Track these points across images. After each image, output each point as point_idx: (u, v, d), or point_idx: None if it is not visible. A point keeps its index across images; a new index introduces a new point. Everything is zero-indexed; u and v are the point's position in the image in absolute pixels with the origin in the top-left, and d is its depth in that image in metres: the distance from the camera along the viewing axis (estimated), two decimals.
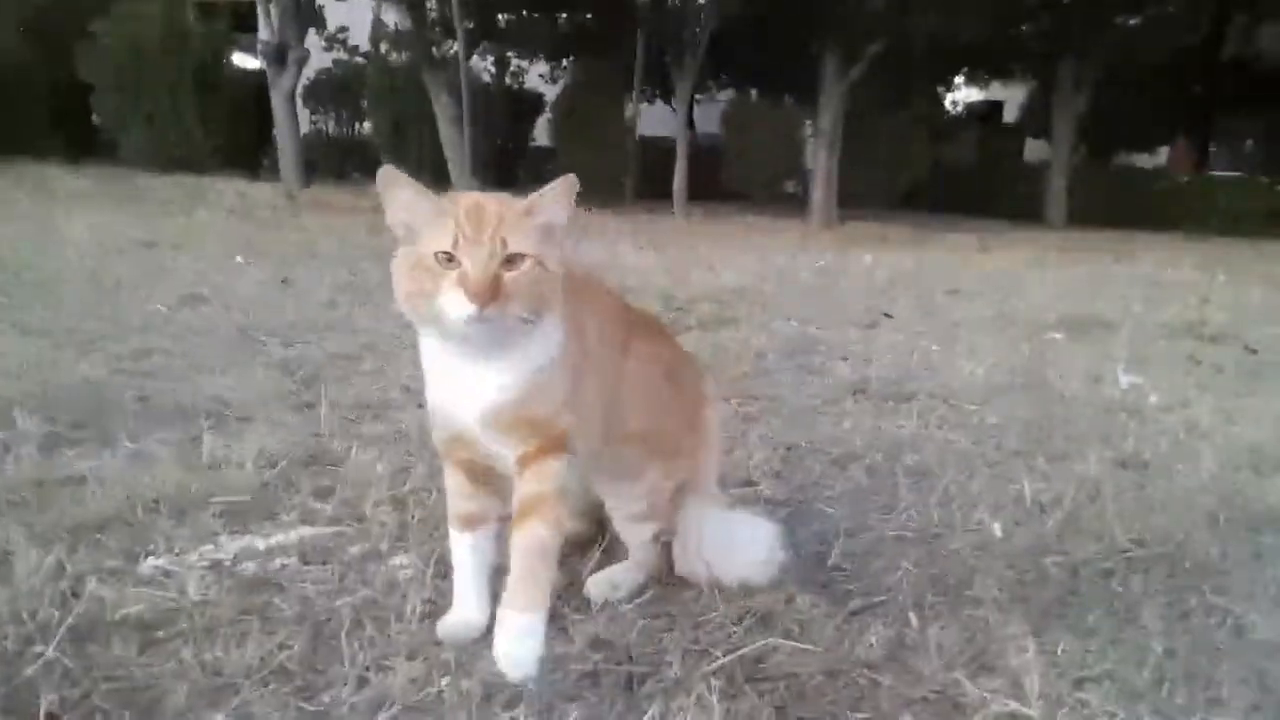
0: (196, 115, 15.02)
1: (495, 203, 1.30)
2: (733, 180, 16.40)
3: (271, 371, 2.95)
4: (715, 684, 1.33)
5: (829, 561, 1.79)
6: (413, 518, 1.87)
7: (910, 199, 16.95)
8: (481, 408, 1.36)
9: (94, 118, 15.71)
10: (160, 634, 1.40)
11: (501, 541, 1.48)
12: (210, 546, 1.70)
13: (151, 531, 1.74)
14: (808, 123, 16.33)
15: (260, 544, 1.73)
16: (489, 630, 1.44)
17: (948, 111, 19.84)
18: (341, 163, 15.99)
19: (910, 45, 13.37)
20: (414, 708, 1.26)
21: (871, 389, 3.25)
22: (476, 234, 1.25)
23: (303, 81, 14.89)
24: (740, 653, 1.43)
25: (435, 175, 13.80)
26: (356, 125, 18.10)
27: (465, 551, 1.48)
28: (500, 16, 15.42)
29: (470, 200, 1.29)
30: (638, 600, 1.60)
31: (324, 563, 1.67)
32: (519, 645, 1.34)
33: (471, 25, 14.18)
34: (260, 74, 14.51)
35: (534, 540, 1.37)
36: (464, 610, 1.48)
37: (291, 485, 2.01)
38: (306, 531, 1.79)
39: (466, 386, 1.35)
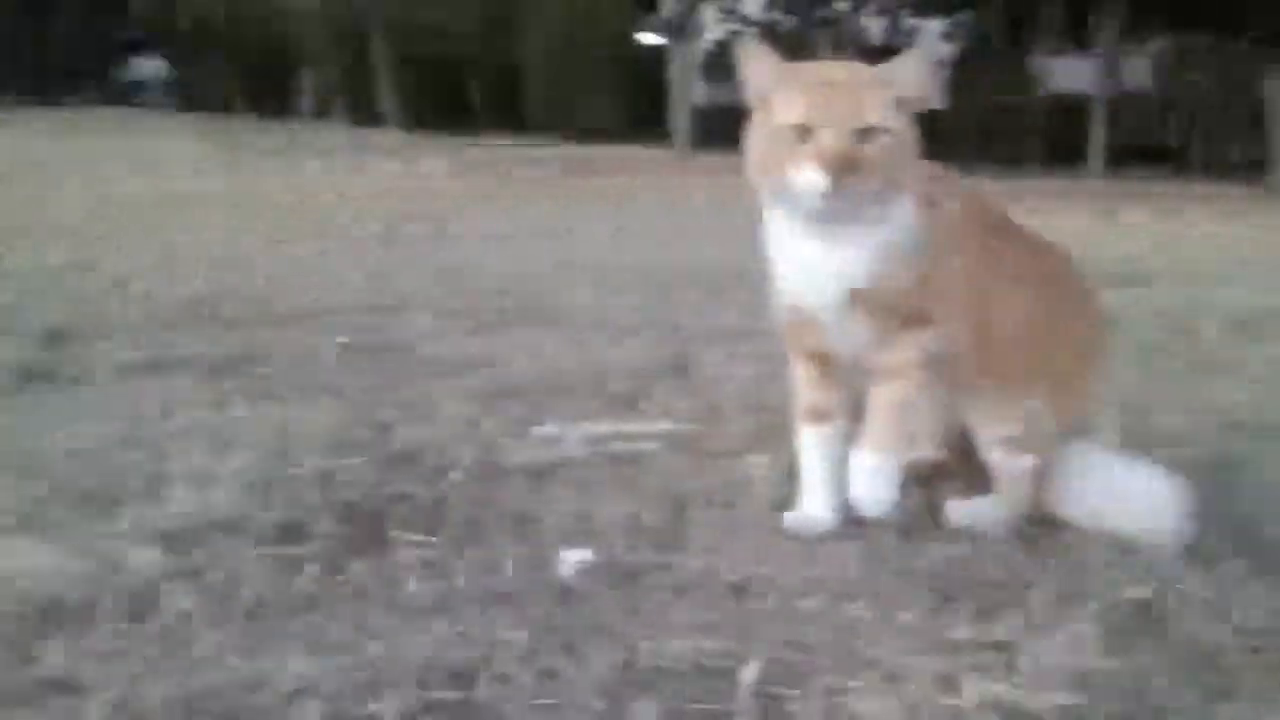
0: (605, 90, 16.59)
1: (850, 72, 1.27)
2: (1166, 143, 14.24)
3: (647, 297, 3.19)
4: (1090, 627, 1.18)
5: (1263, 533, 1.49)
6: (769, 425, 1.90)
7: None
8: (836, 288, 1.33)
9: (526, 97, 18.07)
10: (543, 482, 1.58)
11: (844, 433, 1.45)
12: (588, 424, 1.88)
13: (543, 406, 1.97)
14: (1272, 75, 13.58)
15: (629, 429, 1.87)
16: (836, 528, 1.43)
17: None
18: (735, 130, 16.62)
19: None
20: (762, 578, 1.29)
21: None
22: (831, 105, 1.23)
23: (702, 53, 15.72)
24: (1128, 595, 1.25)
25: None
26: None
27: (812, 446, 1.47)
28: None
29: (825, 70, 1.28)
30: (1002, 534, 1.48)
31: (683, 453, 1.77)
32: (872, 482, 1.32)
33: None
34: (662, 49, 15.52)
35: (893, 393, 1.33)
36: (810, 506, 1.47)
37: (658, 386, 2.16)
38: (669, 426, 1.90)
39: (818, 267, 1.33)
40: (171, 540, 1.24)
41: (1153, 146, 13.93)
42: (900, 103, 1.27)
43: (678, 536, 1.40)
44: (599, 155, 11.04)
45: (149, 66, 22.06)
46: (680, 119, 14.93)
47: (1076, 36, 14.64)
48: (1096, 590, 1.29)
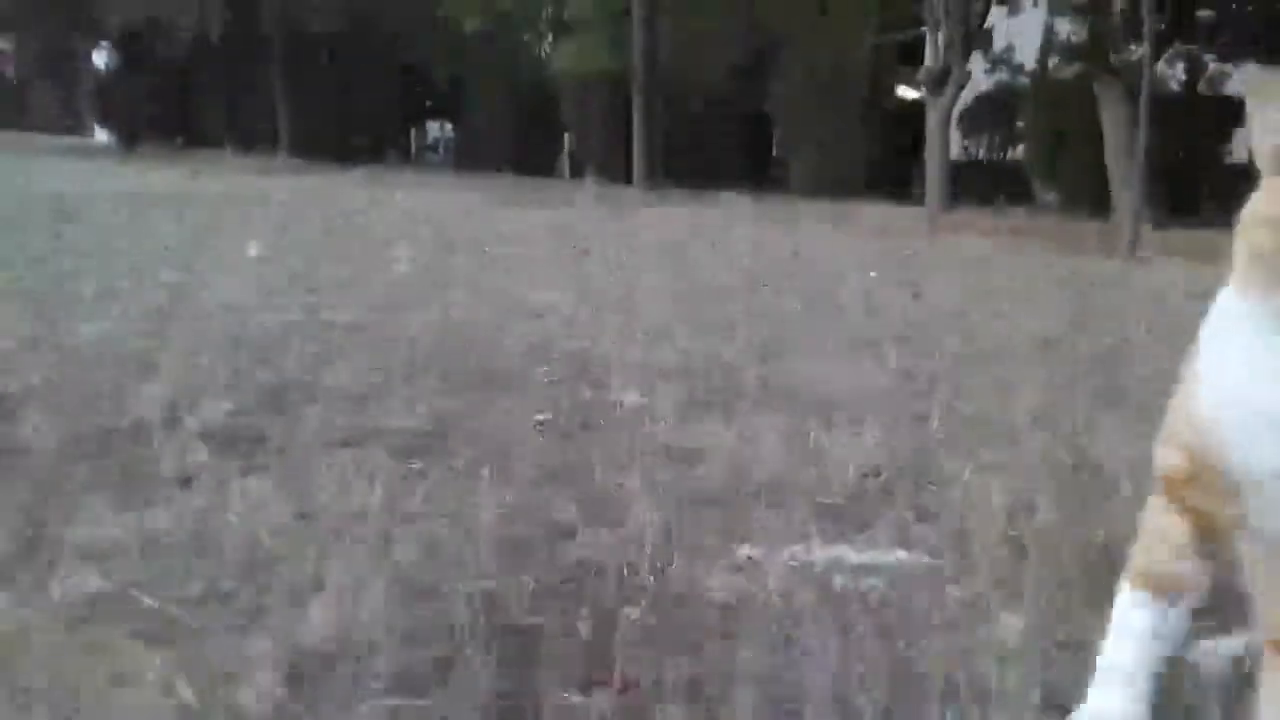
0: (858, 145, 16.14)
1: None
2: None
3: (887, 374, 2.81)
4: None
5: None
6: (1031, 568, 1.49)
7: None
8: None
9: (774, 149, 18.01)
10: (738, 626, 1.29)
11: (1187, 620, 1.05)
12: (800, 547, 1.56)
13: (751, 516, 1.69)
14: None
15: (852, 558, 1.54)
16: None
17: None
18: (990, 187, 15.58)
19: None
20: None
21: None
22: None
23: (960, 106, 14.91)
24: None
25: (1093, 202, 12.58)
26: (1009, 149, 17.55)
27: (1139, 621, 1.03)
28: (1201, 13, 13.30)
29: None
30: None
31: (917, 596, 1.41)
32: None
33: (1163, 26, 12.43)
34: (918, 104, 14.86)
35: None
36: (1105, 699, 1.06)
37: (892, 497, 1.80)
38: (902, 556, 1.55)
39: None
40: (297, 673, 1.08)
41: None
42: None
43: None
44: (834, 213, 10.62)
45: (440, 130, 24.43)
46: (934, 175, 14.14)
47: None
48: None
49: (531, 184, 14.33)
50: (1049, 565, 1.49)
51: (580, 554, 1.47)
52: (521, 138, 20.45)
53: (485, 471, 1.80)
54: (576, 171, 19.36)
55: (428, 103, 23.34)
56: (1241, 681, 1.07)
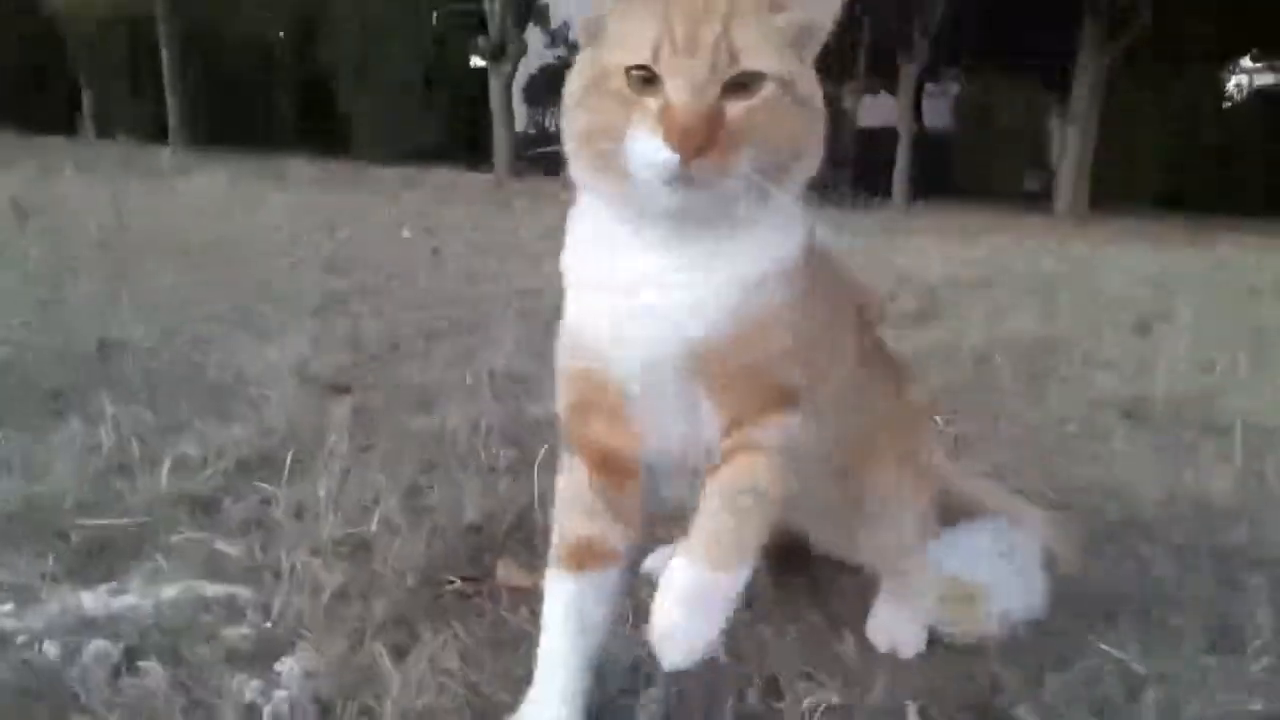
0: (427, 111, 15.72)
1: None
2: (964, 176, 14.76)
3: (337, 343, 2.36)
4: None
5: None
6: (342, 581, 1.12)
7: (1178, 198, 14.46)
8: (670, 339, 0.84)
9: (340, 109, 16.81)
10: None
11: (618, 592, 0.95)
12: (8, 607, 1.04)
13: None
14: (1055, 114, 14.37)
15: (90, 605, 1.04)
16: None
17: (1229, 95, 16.97)
18: (558, 156, 16.09)
19: (1187, 15, 11.32)
20: None
21: (1153, 411, 2.22)
22: (690, 39, 0.77)
23: (524, 79, 15.14)
24: None
25: None
26: None
27: (565, 602, 0.91)
28: None
29: None
30: None
31: (170, 659, 0.96)
32: (687, 617, 0.82)
33: None
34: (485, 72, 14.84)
35: (741, 475, 0.85)
36: (543, 704, 0.90)
37: (214, 505, 1.33)
38: (168, 594, 1.08)
39: (645, 302, 0.84)
40: None
41: (953, 181, 14.44)
42: (802, 35, 0.82)
43: None
44: (403, 177, 10.07)
45: None
46: (500, 143, 14.21)
47: (888, 76, 15.00)
48: None
49: (29, 145, 11.59)
50: (382, 568, 1.14)
51: None
52: (20, 89, 16.79)
53: None
54: (105, 132, 16.40)
55: None
56: None
